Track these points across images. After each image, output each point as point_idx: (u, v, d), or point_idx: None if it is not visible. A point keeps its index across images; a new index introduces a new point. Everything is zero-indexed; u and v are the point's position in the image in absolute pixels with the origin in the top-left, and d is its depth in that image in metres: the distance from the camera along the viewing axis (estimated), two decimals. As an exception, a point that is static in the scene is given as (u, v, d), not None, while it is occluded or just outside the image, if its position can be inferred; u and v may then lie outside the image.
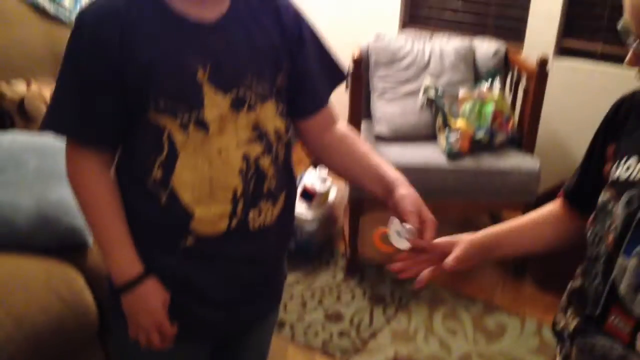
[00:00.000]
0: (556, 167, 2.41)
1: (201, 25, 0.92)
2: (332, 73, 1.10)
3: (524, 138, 2.18)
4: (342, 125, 1.12)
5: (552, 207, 1.05)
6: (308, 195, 2.19)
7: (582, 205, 0.96)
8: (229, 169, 0.95)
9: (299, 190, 2.21)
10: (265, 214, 1.00)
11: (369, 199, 2.19)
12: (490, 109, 2.17)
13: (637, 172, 0.83)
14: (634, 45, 0.78)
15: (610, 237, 0.84)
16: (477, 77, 2.36)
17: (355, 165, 1.07)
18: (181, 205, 0.94)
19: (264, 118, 0.98)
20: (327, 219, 2.32)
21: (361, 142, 1.10)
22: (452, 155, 2.11)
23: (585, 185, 0.98)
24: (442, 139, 2.16)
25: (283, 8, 1.00)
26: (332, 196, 2.30)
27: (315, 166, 2.32)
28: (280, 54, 0.99)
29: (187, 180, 0.94)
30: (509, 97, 2.33)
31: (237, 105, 0.94)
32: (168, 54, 0.90)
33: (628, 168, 0.85)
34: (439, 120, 2.18)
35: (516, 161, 2.11)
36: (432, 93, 2.21)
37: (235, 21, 0.95)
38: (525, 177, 2.09)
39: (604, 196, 0.88)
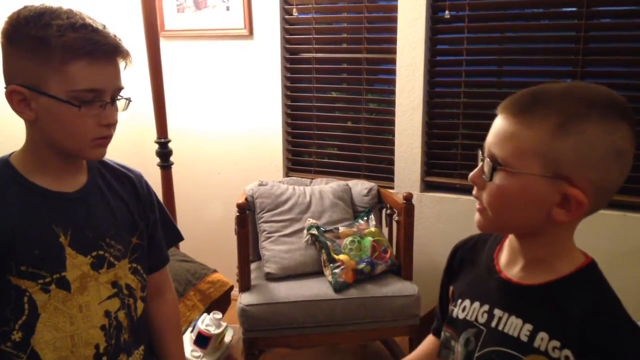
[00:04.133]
0: (436, 289, 2.60)
1: (62, 195, 1.00)
2: (172, 235, 1.27)
3: (402, 265, 2.38)
4: (172, 300, 1.28)
5: (432, 340, 1.15)
6: (203, 339, 2.19)
7: None
8: (90, 325, 1.00)
9: (193, 337, 2.21)
10: None
11: (263, 338, 2.23)
12: (368, 241, 2.36)
13: (472, 313, 0.92)
14: (485, 161, 0.85)
15: None
16: (355, 213, 2.59)
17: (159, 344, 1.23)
18: None
19: (121, 274, 1.07)
20: (225, 363, 2.31)
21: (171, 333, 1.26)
22: (338, 287, 2.24)
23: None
24: (328, 272, 2.30)
25: (136, 179, 1.15)
26: (228, 338, 2.31)
27: (208, 312, 2.35)
28: (135, 218, 1.11)
29: (48, 339, 0.96)
30: (385, 230, 2.57)
31: (97, 265, 1.02)
32: (31, 224, 0.95)
33: (464, 309, 0.94)
34: (324, 256, 2.34)
35: (397, 287, 2.27)
36: (315, 231, 2.39)
37: (93, 192, 1.05)
38: (407, 301, 2.24)
39: (445, 333, 0.98)
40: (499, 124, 0.83)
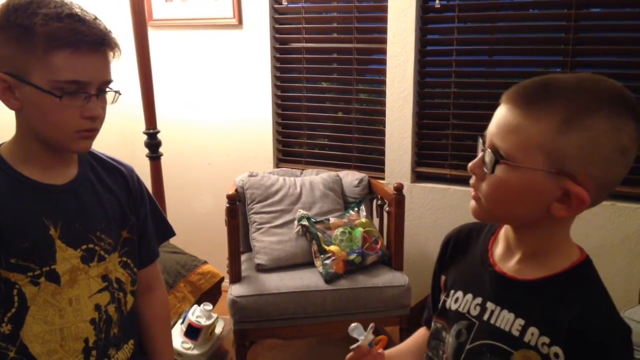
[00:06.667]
0: (427, 279, 2.61)
1: (52, 187, 0.99)
2: (163, 230, 1.26)
3: (392, 256, 2.38)
4: (162, 296, 1.27)
5: (422, 333, 1.13)
6: (194, 330, 2.18)
7: None
8: (80, 319, 1.00)
9: (184, 329, 2.21)
10: None
11: (253, 329, 2.23)
12: (359, 232, 2.36)
13: (464, 305, 0.91)
14: (486, 152, 0.82)
15: None
16: (345, 204, 2.58)
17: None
18: (31, 358, 0.95)
19: (111, 268, 1.06)
20: (216, 353, 2.30)
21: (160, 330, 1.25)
22: (329, 277, 2.24)
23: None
24: (318, 263, 2.30)
25: (127, 173, 1.14)
26: (219, 329, 2.30)
27: (199, 303, 2.34)
28: (126, 211, 1.10)
29: (37, 332, 0.96)
30: (376, 221, 2.56)
31: (87, 259, 1.01)
32: (20, 215, 0.95)
33: (457, 300, 0.93)
34: (314, 247, 2.33)
35: (387, 278, 2.28)
36: (305, 222, 2.38)
37: (84, 184, 1.04)
38: (397, 291, 2.24)
39: (436, 324, 0.97)
40: (503, 114, 0.80)
